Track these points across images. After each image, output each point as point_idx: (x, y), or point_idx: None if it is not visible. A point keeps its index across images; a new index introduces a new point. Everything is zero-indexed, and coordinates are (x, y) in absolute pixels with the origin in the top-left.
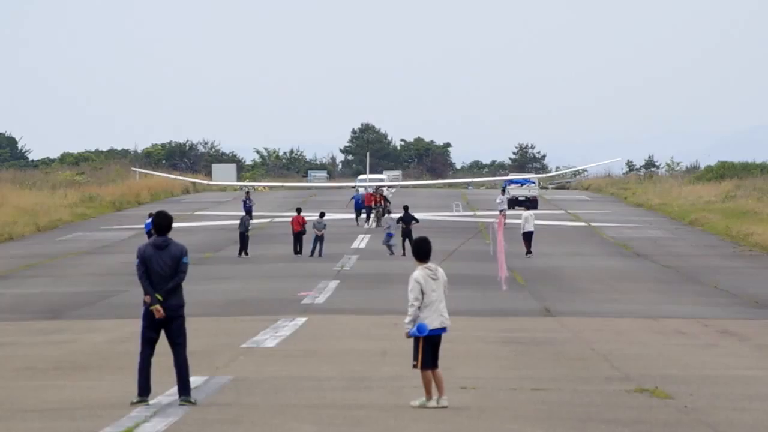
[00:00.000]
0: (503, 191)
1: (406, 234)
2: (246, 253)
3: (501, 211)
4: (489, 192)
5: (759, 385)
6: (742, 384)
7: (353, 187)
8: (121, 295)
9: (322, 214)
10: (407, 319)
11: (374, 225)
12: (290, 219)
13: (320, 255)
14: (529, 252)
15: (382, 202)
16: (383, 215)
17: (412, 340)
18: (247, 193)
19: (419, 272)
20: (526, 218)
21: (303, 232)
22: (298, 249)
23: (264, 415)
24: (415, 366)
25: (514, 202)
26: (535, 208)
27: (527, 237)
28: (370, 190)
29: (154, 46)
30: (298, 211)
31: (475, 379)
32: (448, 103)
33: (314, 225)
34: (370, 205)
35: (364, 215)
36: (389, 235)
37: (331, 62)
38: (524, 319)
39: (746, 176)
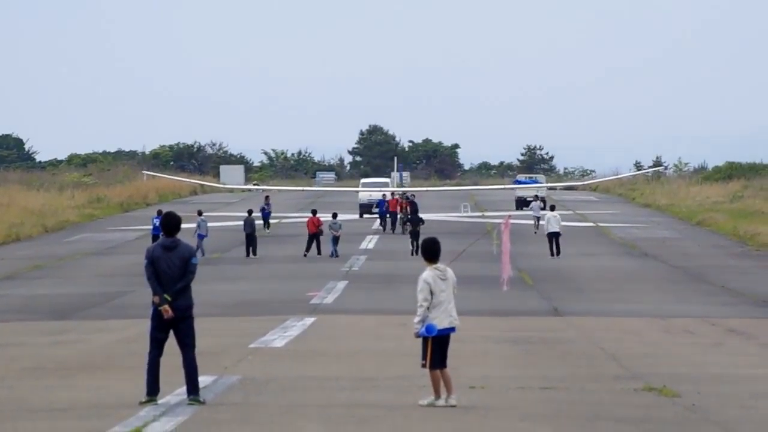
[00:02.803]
0: (536, 198)
1: (414, 235)
2: (255, 254)
3: (537, 217)
4: (497, 193)
5: (765, 384)
6: (750, 382)
7: (357, 191)
8: (128, 296)
9: (335, 215)
10: (416, 320)
11: (400, 231)
12: (306, 220)
13: (337, 255)
14: (552, 254)
15: (407, 207)
16: (407, 221)
17: (420, 339)
18: (267, 197)
19: (428, 273)
20: (548, 219)
21: (320, 233)
22: (316, 249)
23: (272, 415)
24: (423, 365)
25: (522, 203)
26: (543, 209)
27: (551, 237)
28: (397, 196)
29: (162, 47)
30: (314, 212)
31: (484, 379)
32: (457, 104)
33: (330, 226)
34: (395, 210)
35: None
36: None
37: (338, 63)
38: (532, 319)
39: (754, 177)
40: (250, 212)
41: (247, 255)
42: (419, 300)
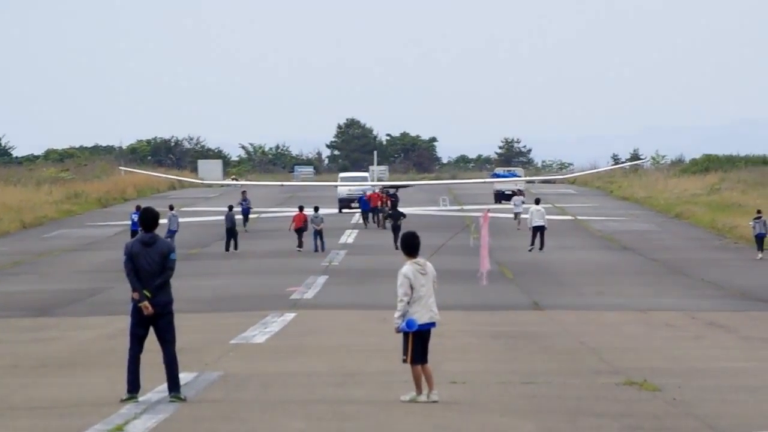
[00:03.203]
0: (518, 192)
1: (396, 229)
2: (236, 248)
3: (516, 213)
4: (475, 187)
5: (746, 377)
6: (730, 376)
7: (335, 186)
8: (108, 292)
9: (316, 209)
10: (397, 314)
11: (380, 226)
12: (292, 216)
13: (323, 249)
14: (532, 245)
15: (388, 202)
16: (387, 216)
17: (401, 335)
18: (244, 192)
19: (408, 267)
20: (532, 212)
21: (304, 228)
22: (299, 244)
23: (254, 411)
24: (404, 361)
25: (501, 197)
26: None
27: (535, 231)
28: (377, 190)
29: (139, 41)
30: (301, 208)
31: (465, 374)
32: (434, 98)
33: (311, 220)
34: (376, 206)
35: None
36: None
37: (316, 57)
38: (513, 313)
39: (731, 169)
40: (230, 207)
41: (227, 249)
42: (399, 295)
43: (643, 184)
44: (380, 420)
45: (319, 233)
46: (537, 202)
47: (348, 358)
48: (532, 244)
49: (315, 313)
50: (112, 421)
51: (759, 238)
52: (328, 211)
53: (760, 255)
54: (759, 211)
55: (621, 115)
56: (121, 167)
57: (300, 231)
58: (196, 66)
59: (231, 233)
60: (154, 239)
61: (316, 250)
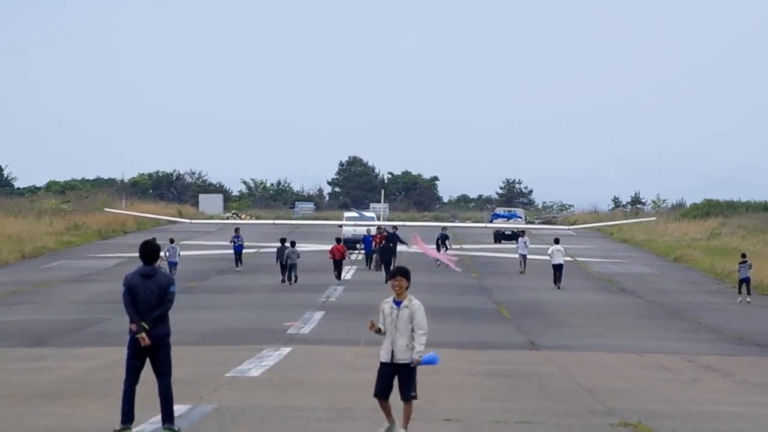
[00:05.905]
0: (523, 233)
1: (387, 265)
2: (293, 281)
3: (522, 255)
4: (473, 225)
5: (741, 421)
6: (725, 420)
7: (339, 226)
8: (105, 323)
9: (293, 243)
10: (422, 347)
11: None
12: (330, 248)
13: (292, 282)
14: (556, 285)
15: (382, 241)
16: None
17: (407, 369)
18: (237, 229)
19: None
20: (552, 252)
21: (343, 259)
22: (337, 275)
23: None
24: (414, 397)
25: (500, 236)
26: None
27: (555, 269)
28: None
29: (141, 75)
30: (338, 240)
31: (459, 411)
32: (436, 137)
33: (288, 255)
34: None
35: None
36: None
37: (319, 94)
38: (509, 352)
39: (731, 214)
40: (282, 241)
41: (283, 282)
42: (424, 328)
43: (643, 228)
44: None
45: (292, 267)
46: (557, 241)
47: (343, 394)
48: (555, 283)
49: (311, 348)
50: None
51: (743, 283)
52: (326, 246)
53: (739, 299)
54: (744, 255)
55: (622, 158)
56: (106, 209)
57: (338, 263)
58: (200, 101)
59: (285, 267)
60: (153, 272)
61: (283, 282)
